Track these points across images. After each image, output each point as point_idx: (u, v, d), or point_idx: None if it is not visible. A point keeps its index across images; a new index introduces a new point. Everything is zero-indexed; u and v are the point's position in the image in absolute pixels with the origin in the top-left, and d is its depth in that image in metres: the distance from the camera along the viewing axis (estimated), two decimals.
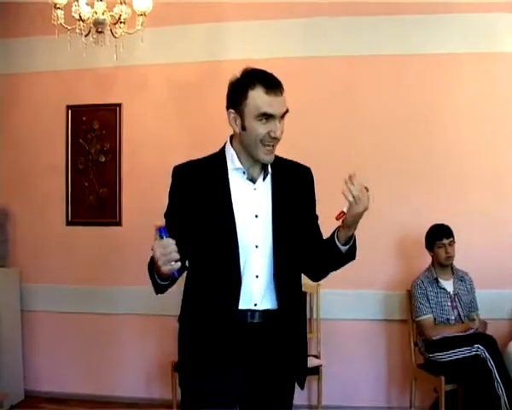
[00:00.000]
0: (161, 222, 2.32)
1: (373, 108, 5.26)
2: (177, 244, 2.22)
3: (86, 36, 4.40)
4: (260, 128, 2.42)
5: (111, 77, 5.46)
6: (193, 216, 2.50)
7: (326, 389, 4.99)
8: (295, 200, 2.56)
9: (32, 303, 5.66)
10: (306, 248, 2.58)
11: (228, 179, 2.51)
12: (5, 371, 5.31)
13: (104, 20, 4.32)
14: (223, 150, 2.59)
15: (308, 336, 5.14)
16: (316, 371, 4.89)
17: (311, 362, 4.96)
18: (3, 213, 5.66)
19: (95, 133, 5.63)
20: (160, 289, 2.48)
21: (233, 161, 2.52)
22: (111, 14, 4.34)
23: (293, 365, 2.58)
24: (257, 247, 2.48)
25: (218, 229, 2.47)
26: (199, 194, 2.51)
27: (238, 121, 2.48)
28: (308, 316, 5.23)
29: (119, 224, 5.61)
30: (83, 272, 5.55)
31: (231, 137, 2.59)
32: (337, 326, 5.26)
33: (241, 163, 2.51)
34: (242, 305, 2.48)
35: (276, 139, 2.44)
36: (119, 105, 5.55)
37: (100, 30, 4.36)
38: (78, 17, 4.29)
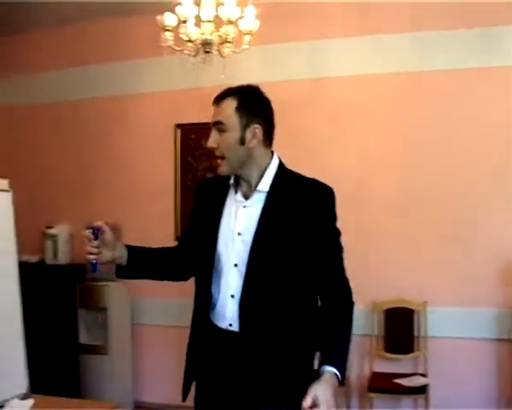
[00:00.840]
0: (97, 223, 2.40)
1: (485, 123, 5.10)
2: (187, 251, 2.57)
3: (194, 56, 4.49)
4: None
5: None
6: (195, 229, 2.57)
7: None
8: (294, 221, 2.37)
9: (142, 316, 5.82)
10: (314, 282, 2.40)
11: (225, 196, 2.51)
12: (116, 383, 5.47)
13: (212, 40, 4.39)
14: None
15: (414, 354, 5.20)
16: (423, 390, 4.79)
17: (417, 381, 4.85)
18: (115, 230, 5.82)
19: (203, 151, 5.74)
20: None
21: (232, 178, 2.51)
22: (218, 34, 4.40)
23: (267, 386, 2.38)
24: (236, 265, 2.40)
25: (203, 245, 2.49)
26: (205, 208, 2.54)
27: None
28: (415, 334, 5.17)
29: None
30: (189, 286, 5.63)
31: None
32: (445, 345, 5.12)
33: (238, 180, 2.49)
34: (220, 324, 2.44)
35: (213, 149, 2.44)
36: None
37: (207, 50, 4.44)
38: (186, 38, 4.39)
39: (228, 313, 2.40)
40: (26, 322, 3.30)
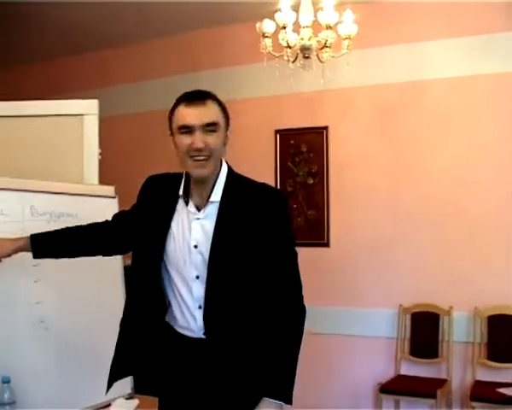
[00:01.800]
0: None
1: None
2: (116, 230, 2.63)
3: (293, 62, 4.51)
4: (183, 140, 2.31)
5: (317, 100, 5.57)
6: (138, 229, 2.52)
7: None
8: (247, 229, 2.35)
9: None
10: (261, 287, 2.39)
11: (175, 205, 2.45)
12: None
13: (311, 45, 4.40)
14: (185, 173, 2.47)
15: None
16: None
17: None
18: None
19: (302, 156, 5.76)
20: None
21: (181, 187, 2.44)
22: (317, 39, 4.41)
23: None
24: (197, 277, 2.38)
25: (148, 253, 2.45)
26: (149, 211, 2.49)
27: (172, 141, 2.39)
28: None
29: (326, 245, 5.68)
30: None
31: None
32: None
33: (188, 191, 2.43)
34: (190, 333, 2.42)
35: (200, 150, 2.30)
36: (326, 128, 5.64)
37: (307, 55, 4.45)
38: (285, 44, 4.42)
39: (199, 323, 2.40)
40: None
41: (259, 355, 2.36)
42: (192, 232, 2.38)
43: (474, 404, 4.70)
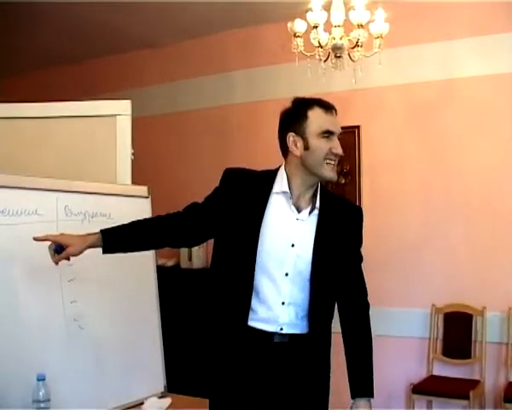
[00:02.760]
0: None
1: None
2: (192, 221, 2.60)
3: (325, 61, 4.51)
4: (323, 144, 2.45)
5: (349, 100, 5.55)
6: (224, 225, 2.55)
7: None
8: (339, 238, 2.56)
9: None
10: (342, 288, 2.62)
11: (267, 202, 2.52)
12: None
13: (342, 44, 4.39)
14: (275, 171, 2.59)
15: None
16: None
17: None
18: None
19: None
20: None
21: (282, 185, 2.53)
22: (348, 38, 4.39)
23: (314, 389, 2.59)
24: (287, 275, 2.49)
25: (240, 249, 2.50)
26: (237, 206, 2.52)
27: (299, 143, 2.49)
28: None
29: None
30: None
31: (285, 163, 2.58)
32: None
33: (290, 188, 2.52)
34: (266, 328, 2.50)
35: (338, 156, 2.48)
36: (358, 127, 5.62)
37: (338, 55, 4.44)
38: (317, 44, 4.41)
39: (281, 319, 2.50)
40: (162, 324, 3.42)
41: (349, 356, 2.63)
42: (293, 231, 2.50)
43: (508, 405, 4.65)
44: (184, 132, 6.46)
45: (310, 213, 2.53)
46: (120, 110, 3.59)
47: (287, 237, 2.50)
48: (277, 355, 2.51)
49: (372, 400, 2.63)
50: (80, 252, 2.55)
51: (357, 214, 2.68)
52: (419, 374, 5.27)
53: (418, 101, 5.38)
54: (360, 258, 2.67)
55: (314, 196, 2.55)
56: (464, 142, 5.22)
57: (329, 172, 2.49)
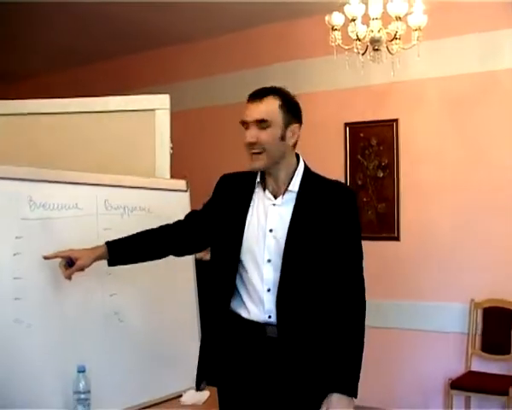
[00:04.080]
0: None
1: None
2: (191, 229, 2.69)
3: (363, 54, 4.49)
4: (244, 135, 2.49)
5: (387, 93, 5.52)
6: (215, 224, 2.62)
7: None
8: (321, 221, 2.48)
9: None
10: (330, 279, 2.49)
11: (252, 194, 2.57)
12: None
13: (380, 37, 4.37)
14: None
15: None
16: None
17: None
18: None
19: (372, 149, 5.72)
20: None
21: (259, 175, 2.57)
22: (387, 31, 4.37)
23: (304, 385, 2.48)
24: (269, 261, 2.49)
25: (227, 241, 2.54)
26: (227, 205, 2.59)
27: None
28: None
29: (397, 239, 5.63)
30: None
31: None
32: None
33: (264, 178, 2.56)
34: (256, 317, 2.49)
35: (252, 145, 2.46)
36: (396, 121, 5.58)
37: (376, 48, 4.42)
38: (355, 37, 4.39)
39: (267, 306, 2.49)
40: (201, 317, 3.44)
41: (326, 349, 2.47)
42: (268, 217, 2.51)
43: None
44: (222, 126, 6.47)
45: (283, 196, 2.52)
46: (159, 105, 3.62)
47: (264, 223, 2.52)
48: (270, 349, 2.49)
49: (350, 399, 2.41)
50: (90, 264, 2.66)
51: (347, 197, 2.56)
52: (457, 370, 5.22)
53: (457, 94, 5.32)
54: (353, 247, 2.53)
55: (291, 179, 2.54)
56: (504, 134, 5.15)
57: (249, 162, 2.53)
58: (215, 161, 6.47)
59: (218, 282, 2.59)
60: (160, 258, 2.78)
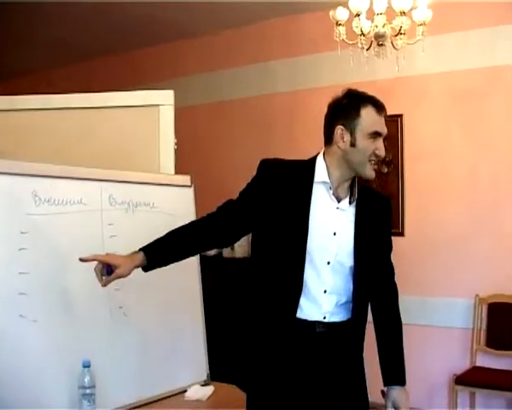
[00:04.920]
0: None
1: None
2: (230, 220, 2.58)
3: (367, 49, 4.48)
4: (370, 145, 2.47)
5: (391, 88, 5.50)
6: (266, 216, 2.52)
7: None
8: (375, 227, 2.60)
9: None
10: (376, 278, 2.65)
11: (311, 191, 2.52)
12: None
13: (385, 32, 4.36)
14: (313, 161, 2.58)
15: None
16: None
17: None
18: None
19: None
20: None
21: (321, 175, 2.54)
22: (391, 26, 4.36)
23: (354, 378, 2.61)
24: (328, 263, 2.52)
25: (289, 239, 2.49)
26: (280, 196, 2.51)
27: (346, 137, 2.48)
28: None
29: (401, 234, 5.62)
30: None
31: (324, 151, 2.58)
32: None
33: (330, 179, 2.53)
34: (310, 317, 2.51)
35: (380, 157, 2.50)
36: (400, 116, 5.56)
37: (381, 43, 4.41)
38: (359, 32, 4.39)
39: (324, 308, 2.52)
40: (205, 312, 3.45)
41: (382, 344, 2.65)
42: (333, 220, 2.53)
43: None
44: (226, 122, 6.47)
45: (349, 203, 2.55)
46: (163, 100, 3.62)
47: (329, 226, 2.51)
48: (319, 345, 2.53)
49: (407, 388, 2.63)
50: (128, 273, 2.52)
51: (387, 205, 2.71)
52: (462, 365, 5.22)
53: (462, 89, 5.30)
54: (390, 247, 2.72)
55: (352, 186, 2.57)
56: (509, 130, 5.13)
57: (370, 172, 2.50)
58: (220, 156, 6.49)
59: (283, 282, 2.53)
60: (196, 253, 2.83)
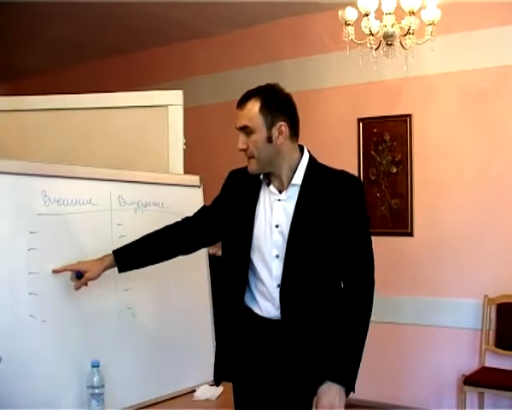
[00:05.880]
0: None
1: None
2: (202, 225, 2.73)
3: (376, 49, 4.48)
4: None
5: (400, 88, 5.50)
6: (227, 220, 2.64)
7: None
8: (325, 212, 2.47)
9: None
10: (339, 266, 2.52)
11: (259, 189, 2.59)
12: None
13: (393, 32, 4.36)
14: None
15: None
16: None
17: None
18: None
19: (385, 145, 5.71)
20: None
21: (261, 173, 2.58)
22: (400, 26, 4.36)
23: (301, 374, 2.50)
24: (277, 256, 2.51)
25: (238, 238, 2.57)
26: (236, 200, 2.62)
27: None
28: None
29: (410, 234, 5.61)
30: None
31: None
32: None
33: (268, 174, 2.55)
34: (267, 314, 2.53)
35: (243, 150, 2.53)
36: (409, 116, 5.55)
37: (389, 43, 4.41)
38: (368, 32, 4.38)
39: (277, 302, 2.50)
40: (214, 312, 3.45)
41: (329, 337, 2.48)
42: (274, 213, 2.53)
43: None
44: (235, 122, 6.47)
45: (287, 190, 2.52)
46: (172, 100, 3.62)
47: (270, 219, 2.53)
48: (272, 333, 2.53)
49: (340, 389, 2.42)
50: (98, 275, 2.70)
51: (353, 186, 2.54)
52: (471, 366, 5.21)
53: (472, 88, 5.29)
54: (360, 235, 2.51)
55: (293, 173, 2.54)
56: None
57: (248, 167, 2.57)
58: (228, 156, 6.46)
59: (231, 278, 2.63)
60: (169, 258, 2.79)
